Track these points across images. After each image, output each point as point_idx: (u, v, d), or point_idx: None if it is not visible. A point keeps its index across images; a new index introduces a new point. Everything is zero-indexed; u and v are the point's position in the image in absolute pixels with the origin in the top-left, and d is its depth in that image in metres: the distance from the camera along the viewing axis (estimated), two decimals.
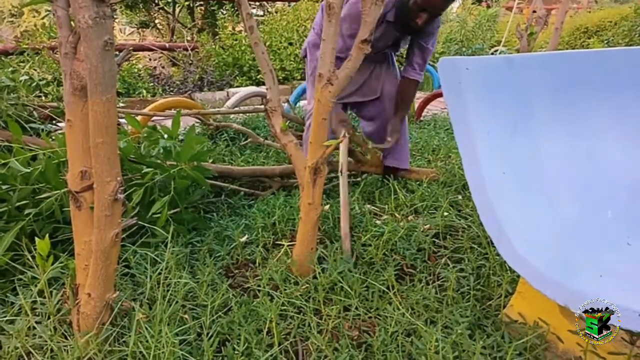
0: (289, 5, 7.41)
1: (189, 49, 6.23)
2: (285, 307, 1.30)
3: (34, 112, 2.39)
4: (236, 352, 1.09)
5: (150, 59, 6.71)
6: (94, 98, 0.89)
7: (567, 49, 8.57)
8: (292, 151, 1.51)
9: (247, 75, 5.95)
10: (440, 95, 3.70)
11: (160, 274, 1.29)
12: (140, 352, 1.05)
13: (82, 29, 0.84)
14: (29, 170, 1.50)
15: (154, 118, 3.22)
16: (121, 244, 1.17)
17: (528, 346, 1.11)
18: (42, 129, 2.31)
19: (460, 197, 2.11)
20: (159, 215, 1.56)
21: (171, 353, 1.02)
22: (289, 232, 1.78)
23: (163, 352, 1.02)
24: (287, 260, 1.52)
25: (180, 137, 2.21)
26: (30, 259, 1.32)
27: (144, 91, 5.09)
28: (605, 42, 7.93)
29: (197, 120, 2.87)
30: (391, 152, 2.34)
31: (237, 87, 5.62)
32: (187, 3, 7.26)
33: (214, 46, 6.12)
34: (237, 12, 7.08)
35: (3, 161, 1.52)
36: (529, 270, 1.02)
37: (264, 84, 1.62)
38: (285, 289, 1.37)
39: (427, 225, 1.81)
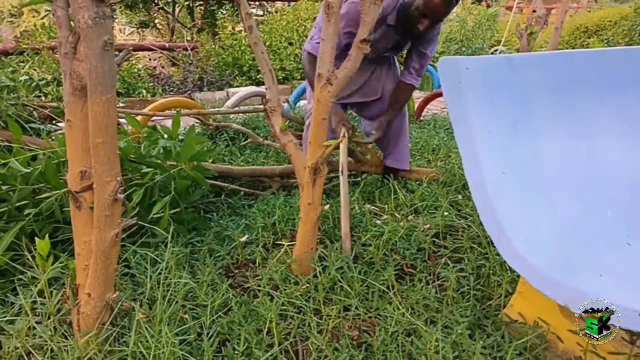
0: (289, 5, 7.41)
1: (189, 48, 6.22)
2: (285, 307, 1.31)
3: (34, 112, 2.39)
4: (236, 352, 1.09)
5: (150, 59, 6.71)
6: (93, 98, 0.89)
7: (567, 48, 8.57)
8: (292, 151, 1.51)
9: (247, 75, 5.94)
10: (440, 95, 3.70)
11: (160, 274, 1.29)
12: (141, 352, 1.05)
13: (82, 29, 0.84)
14: (29, 170, 1.50)
15: (154, 118, 3.22)
16: (121, 244, 1.17)
17: (528, 346, 1.11)
18: (42, 129, 2.31)
19: (460, 196, 2.11)
20: (159, 215, 1.56)
21: (171, 353, 1.02)
22: (289, 232, 1.78)
23: (163, 352, 1.02)
24: (287, 260, 1.52)
25: (180, 137, 2.21)
26: (30, 259, 1.32)
27: (144, 91, 5.09)
28: (605, 41, 7.93)
29: (197, 120, 2.87)
30: (391, 152, 2.34)
31: (236, 87, 5.62)
32: (186, 3, 7.26)
33: (213, 46, 6.11)
34: (236, 12, 7.08)
35: (3, 161, 1.52)
36: (529, 270, 1.02)
37: (263, 83, 1.62)
38: (285, 289, 1.37)
39: (427, 225, 1.81)
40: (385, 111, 2.21)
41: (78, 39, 0.92)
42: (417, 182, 2.24)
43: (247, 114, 3.53)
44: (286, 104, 3.05)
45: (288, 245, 1.63)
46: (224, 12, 7.43)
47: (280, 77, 5.90)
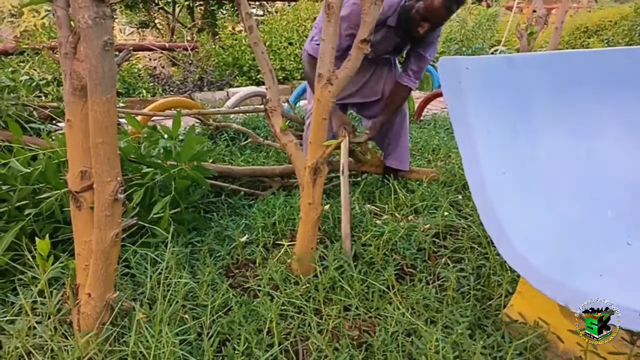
0: (289, 5, 7.41)
1: (189, 48, 6.22)
2: (285, 307, 1.31)
3: (34, 112, 2.39)
4: (236, 352, 1.09)
5: (150, 59, 6.71)
6: (93, 98, 0.89)
7: (567, 48, 8.57)
8: (292, 151, 1.51)
9: (247, 75, 5.95)
10: (440, 95, 3.70)
11: (160, 273, 1.29)
12: (141, 352, 1.05)
13: (82, 29, 0.84)
14: (29, 170, 1.50)
15: (154, 118, 3.22)
16: (121, 244, 1.17)
17: (528, 346, 1.11)
18: (42, 129, 2.31)
19: (460, 196, 2.11)
20: (159, 215, 1.56)
21: (171, 353, 1.02)
22: (289, 232, 1.78)
23: (163, 352, 1.02)
24: (288, 260, 1.52)
25: (181, 137, 2.21)
26: (31, 259, 1.32)
27: (144, 91, 5.09)
28: (606, 41, 7.93)
29: (197, 120, 2.87)
30: (391, 152, 2.35)
31: (237, 87, 5.62)
32: (187, 3, 7.26)
33: (213, 46, 6.11)
34: (236, 12, 7.08)
35: (3, 161, 1.52)
36: (529, 269, 1.02)
37: (263, 83, 1.62)
38: (285, 289, 1.37)
39: (427, 225, 1.81)
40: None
41: (78, 39, 0.92)
42: (417, 182, 2.24)
43: (247, 114, 3.53)
44: (286, 104, 3.05)
45: (288, 245, 1.63)
46: (224, 12, 7.43)
47: (281, 77, 5.90)
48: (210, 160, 2.38)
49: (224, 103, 3.88)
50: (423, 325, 1.18)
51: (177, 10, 7.58)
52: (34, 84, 2.65)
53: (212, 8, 7.33)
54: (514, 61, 1.30)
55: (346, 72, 1.24)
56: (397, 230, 1.70)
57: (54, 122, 2.48)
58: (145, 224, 1.55)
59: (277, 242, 1.73)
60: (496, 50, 7.00)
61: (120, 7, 7.13)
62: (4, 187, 1.47)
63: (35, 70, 3.64)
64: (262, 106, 1.67)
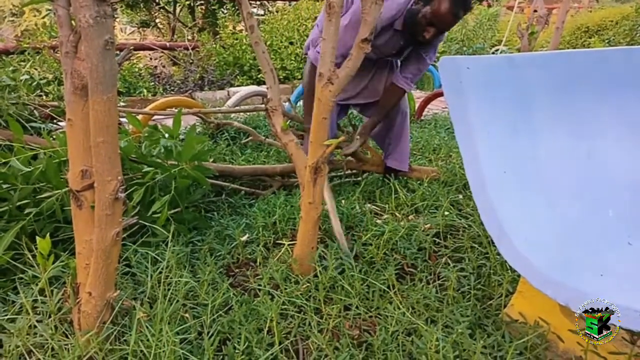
0: (290, 5, 7.41)
1: (190, 48, 6.22)
2: (285, 306, 1.31)
3: (35, 111, 2.39)
4: (237, 351, 1.09)
5: (151, 58, 6.71)
6: (94, 97, 0.89)
7: (568, 48, 8.56)
8: (293, 150, 1.51)
9: (248, 75, 5.94)
10: (441, 94, 3.69)
11: (161, 273, 1.29)
12: (141, 350, 1.05)
13: (83, 28, 0.84)
14: (29, 170, 1.50)
15: (155, 117, 3.22)
16: (122, 243, 1.17)
17: (528, 345, 1.11)
18: (43, 128, 2.31)
19: (461, 196, 2.11)
20: (159, 214, 1.56)
21: (172, 352, 1.02)
22: (289, 231, 1.78)
23: (164, 351, 1.02)
24: (288, 260, 1.52)
25: (181, 137, 2.21)
26: (31, 258, 1.32)
27: (145, 90, 5.09)
28: (607, 41, 7.91)
29: (198, 119, 2.88)
30: (392, 152, 2.35)
31: (237, 86, 5.62)
32: (187, 2, 7.25)
33: (214, 45, 6.11)
34: (237, 12, 7.08)
35: (4, 160, 1.52)
36: (529, 269, 1.02)
37: (264, 83, 1.62)
38: (285, 288, 1.37)
39: (428, 225, 1.81)
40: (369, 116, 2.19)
41: (79, 38, 0.92)
42: (418, 182, 2.24)
43: (248, 114, 3.53)
44: (287, 103, 3.05)
45: (289, 245, 1.63)
46: (225, 11, 7.42)
47: (281, 77, 5.90)
48: (211, 160, 2.38)
49: (225, 102, 3.88)
50: (423, 324, 1.18)
51: (178, 9, 7.58)
52: (35, 83, 2.65)
53: (213, 7, 7.33)
54: (514, 61, 1.30)
55: (347, 71, 1.24)
56: (398, 229, 1.70)
57: (54, 121, 2.48)
58: (146, 223, 1.55)
59: (277, 241, 1.73)
60: (497, 50, 6.99)
61: (121, 7, 7.14)
62: (4, 186, 1.48)
63: (36, 69, 3.64)
64: (262, 105, 1.67)
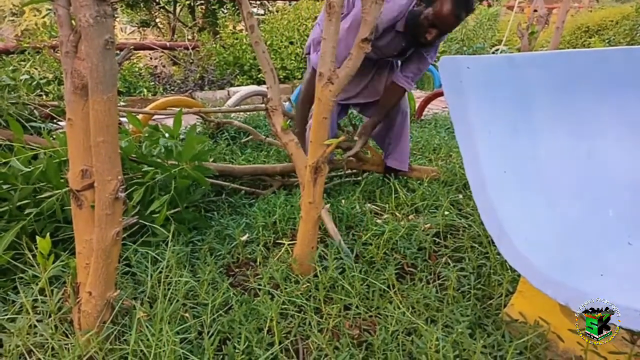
0: (290, 4, 7.41)
1: (190, 48, 6.22)
2: (285, 306, 1.31)
3: (35, 111, 2.39)
4: (237, 350, 1.09)
5: (151, 58, 6.71)
6: (94, 97, 0.89)
7: (568, 48, 8.56)
8: (293, 150, 1.51)
9: (248, 74, 5.95)
10: (441, 94, 3.69)
11: (161, 272, 1.29)
12: (141, 350, 1.05)
13: (83, 27, 0.84)
14: (30, 170, 1.50)
15: (155, 117, 3.22)
16: (122, 243, 1.17)
17: (528, 345, 1.11)
18: (43, 128, 2.31)
19: (461, 196, 2.11)
20: (158, 214, 1.56)
21: (172, 351, 1.02)
22: (289, 231, 1.78)
23: (164, 351, 1.02)
24: (288, 259, 1.52)
25: (181, 137, 2.21)
26: (31, 258, 1.32)
27: (145, 90, 5.09)
28: (607, 41, 7.91)
29: (198, 118, 2.88)
30: (392, 152, 2.34)
31: (237, 86, 5.62)
32: (187, 2, 7.26)
33: (214, 45, 6.11)
34: (238, 11, 7.08)
35: (4, 160, 1.52)
36: (529, 269, 1.02)
37: (264, 83, 1.62)
38: (285, 288, 1.37)
39: (428, 225, 1.81)
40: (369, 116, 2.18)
41: (79, 37, 0.92)
42: (418, 182, 2.24)
43: (248, 113, 3.53)
44: (287, 103, 3.06)
45: (289, 244, 1.63)
46: (225, 11, 7.42)
47: (282, 77, 5.90)
48: (211, 159, 2.38)
49: (225, 102, 3.88)
50: (423, 324, 1.18)
51: (178, 9, 7.58)
52: (35, 82, 2.65)
53: (213, 7, 7.33)
54: (514, 61, 1.30)
55: (347, 71, 1.24)
56: (398, 229, 1.70)
57: (54, 121, 2.48)
58: (146, 223, 1.55)
59: (277, 241, 1.73)
60: (497, 50, 6.99)
61: (121, 6, 7.14)
62: (4, 186, 1.48)
63: (36, 69, 3.64)
64: (263, 105, 1.67)
